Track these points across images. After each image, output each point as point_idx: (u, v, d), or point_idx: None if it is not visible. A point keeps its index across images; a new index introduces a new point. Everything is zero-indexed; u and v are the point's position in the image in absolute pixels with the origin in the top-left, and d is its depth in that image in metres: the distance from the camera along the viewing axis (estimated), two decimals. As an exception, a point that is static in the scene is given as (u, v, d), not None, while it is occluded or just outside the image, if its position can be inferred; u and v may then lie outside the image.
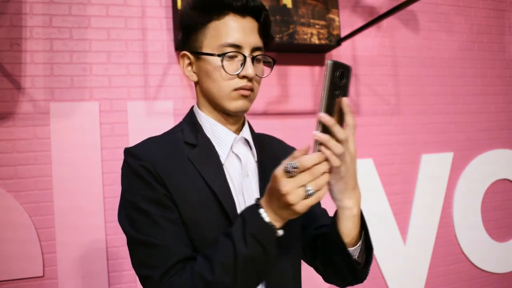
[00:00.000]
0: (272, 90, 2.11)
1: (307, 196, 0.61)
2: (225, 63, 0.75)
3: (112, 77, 1.90)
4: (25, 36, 1.80)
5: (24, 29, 1.80)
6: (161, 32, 1.97)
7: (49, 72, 1.82)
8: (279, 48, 2.05)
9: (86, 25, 1.87)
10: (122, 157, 0.78)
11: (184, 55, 0.81)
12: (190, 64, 0.81)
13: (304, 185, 0.60)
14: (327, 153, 0.61)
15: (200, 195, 0.73)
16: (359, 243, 0.72)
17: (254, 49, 0.76)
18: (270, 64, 0.81)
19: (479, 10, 2.56)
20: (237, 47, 0.75)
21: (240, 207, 0.76)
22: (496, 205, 2.53)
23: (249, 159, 0.82)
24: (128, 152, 0.77)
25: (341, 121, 0.63)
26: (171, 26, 1.97)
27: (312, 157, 0.61)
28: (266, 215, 0.64)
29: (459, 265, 2.41)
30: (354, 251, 0.71)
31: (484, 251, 2.46)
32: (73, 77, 1.84)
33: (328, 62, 0.62)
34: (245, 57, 0.75)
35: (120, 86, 1.90)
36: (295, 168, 0.60)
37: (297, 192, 0.60)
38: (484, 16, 2.57)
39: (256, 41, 0.76)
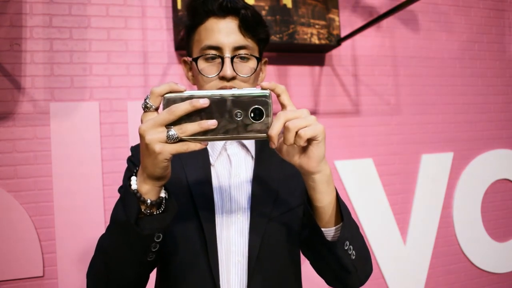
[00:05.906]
0: (272, 90, 2.11)
1: (170, 140, 0.53)
2: (204, 66, 0.75)
3: (112, 77, 1.90)
4: (25, 36, 1.80)
5: (24, 29, 1.80)
6: (161, 32, 1.97)
7: (49, 72, 1.82)
8: (279, 48, 2.05)
9: (86, 25, 1.87)
10: (122, 157, 0.85)
11: (184, 61, 0.84)
12: (190, 69, 0.83)
13: (164, 126, 0.54)
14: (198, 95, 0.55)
15: (176, 186, 0.73)
16: (338, 227, 0.67)
17: (237, 48, 0.75)
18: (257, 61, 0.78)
19: (479, 10, 2.56)
20: (217, 48, 0.75)
21: (224, 204, 0.77)
22: (496, 205, 2.52)
23: (246, 160, 0.83)
24: (130, 148, 0.88)
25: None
26: (171, 26, 1.97)
27: (176, 95, 0.55)
28: (134, 181, 0.59)
29: (459, 265, 2.41)
30: (330, 231, 0.67)
31: (484, 251, 2.46)
32: (73, 77, 1.84)
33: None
34: (222, 58, 0.74)
35: (120, 86, 1.90)
36: (148, 104, 0.56)
37: (155, 131, 0.54)
38: (484, 16, 2.57)
39: (238, 40, 0.75)
